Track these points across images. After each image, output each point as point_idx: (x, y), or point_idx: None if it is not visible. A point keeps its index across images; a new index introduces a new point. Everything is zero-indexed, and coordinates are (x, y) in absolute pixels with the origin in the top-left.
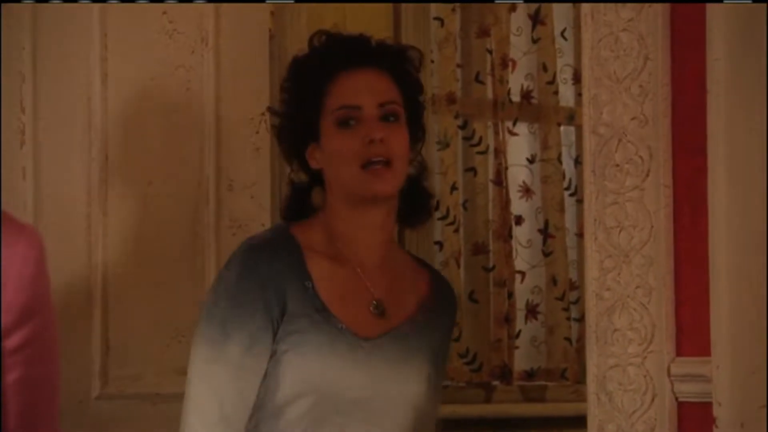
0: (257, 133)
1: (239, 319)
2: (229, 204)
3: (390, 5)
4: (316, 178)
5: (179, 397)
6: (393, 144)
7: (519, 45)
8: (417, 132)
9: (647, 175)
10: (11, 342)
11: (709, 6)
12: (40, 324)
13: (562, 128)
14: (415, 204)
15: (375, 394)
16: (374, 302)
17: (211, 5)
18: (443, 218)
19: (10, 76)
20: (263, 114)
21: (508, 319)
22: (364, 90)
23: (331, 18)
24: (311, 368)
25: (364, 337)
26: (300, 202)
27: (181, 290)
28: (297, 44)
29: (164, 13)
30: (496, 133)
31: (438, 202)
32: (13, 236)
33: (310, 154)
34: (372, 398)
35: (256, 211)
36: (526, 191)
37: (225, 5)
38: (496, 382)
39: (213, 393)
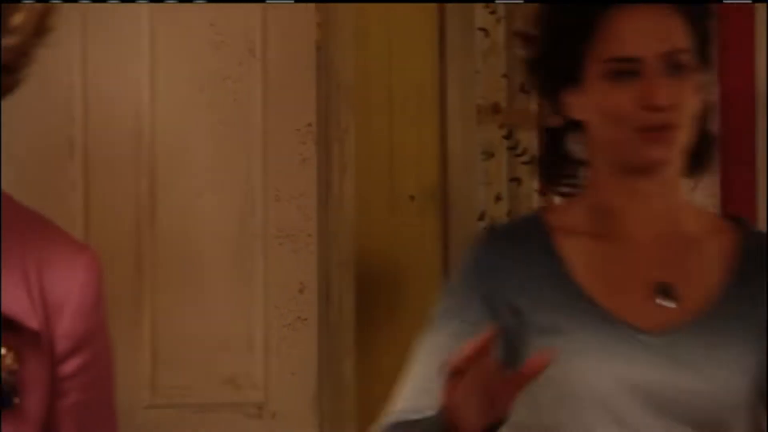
0: (304, 143)
1: (454, 309)
2: (276, 214)
3: (434, 15)
4: (574, 126)
5: (227, 407)
6: (680, 106)
7: None
8: (706, 71)
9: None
10: (68, 367)
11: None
12: (97, 348)
13: None
14: (698, 149)
15: (673, 403)
16: (657, 285)
17: (258, 17)
18: None
19: (60, 88)
20: (310, 125)
21: None
22: (645, 35)
23: (376, 29)
24: (576, 372)
25: (648, 330)
26: (557, 149)
27: (229, 300)
28: (344, 56)
29: (212, 25)
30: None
31: (483, 213)
32: (72, 258)
33: (570, 99)
34: (672, 403)
35: (303, 222)
36: None
37: (272, 16)
38: None
39: (419, 368)
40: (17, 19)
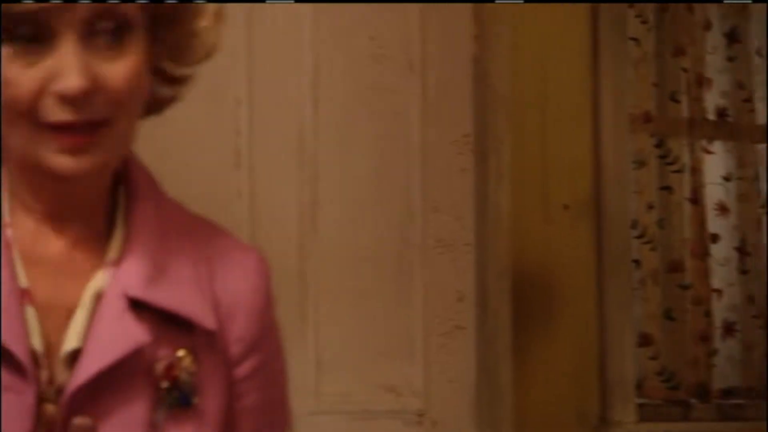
0: (461, 154)
1: None
2: (434, 224)
3: (587, 26)
4: None
5: (387, 414)
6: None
7: (714, 63)
8: None
9: None
10: (243, 369)
11: None
12: (270, 349)
13: (758, 146)
14: None
15: None
16: None
17: (417, 31)
18: (640, 237)
19: (226, 101)
20: (467, 136)
21: (706, 337)
22: None
23: (530, 40)
24: None
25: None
26: None
27: (389, 309)
28: (499, 68)
29: (372, 38)
30: (692, 151)
31: (635, 221)
32: (243, 261)
33: None
34: None
35: (461, 231)
36: (723, 209)
37: (431, 30)
38: (693, 400)
39: None
40: (202, 22)
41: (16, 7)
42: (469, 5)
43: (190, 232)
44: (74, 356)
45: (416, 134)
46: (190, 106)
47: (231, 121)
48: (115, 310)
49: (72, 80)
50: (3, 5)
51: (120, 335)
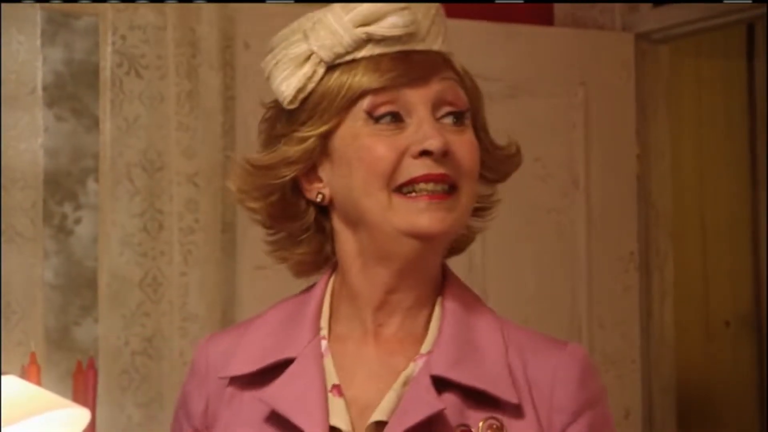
0: (626, 271)
1: None
2: (600, 341)
3: (745, 144)
4: None
5: None
6: None
7: None
8: None
9: None
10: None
11: None
12: (599, 414)
13: None
14: None
15: None
16: None
17: (582, 151)
18: None
19: None
20: (632, 253)
21: None
22: None
23: (689, 159)
24: None
25: None
26: None
27: None
28: (662, 186)
29: (537, 159)
30: None
31: None
32: (554, 347)
33: None
34: None
35: (627, 348)
36: None
37: (594, 150)
38: None
39: None
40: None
41: (380, 95)
42: (632, 127)
43: (492, 325)
44: (380, 428)
45: (582, 252)
46: None
47: None
48: (420, 387)
49: (435, 140)
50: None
51: (421, 405)
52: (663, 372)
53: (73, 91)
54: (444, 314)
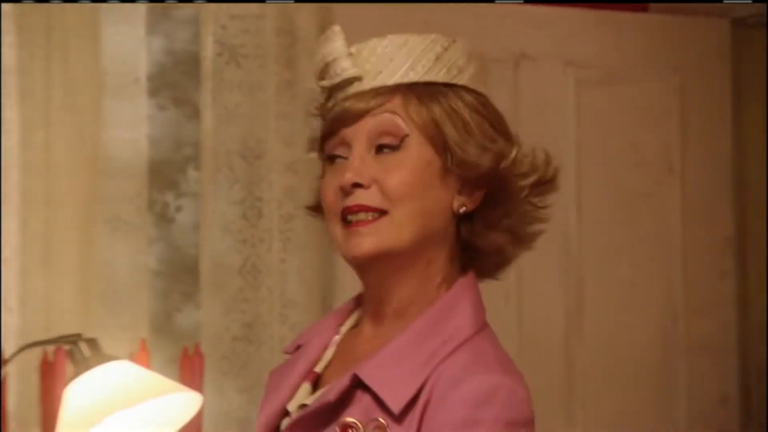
0: (723, 257)
1: None
2: (697, 328)
3: None
4: None
5: None
6: None
7: None
8: None
9: None
10: None
11: None
12: None
13: None
14: None
15: None
16: None
17: (677, 136)
18: None
19: None
20: (728, 239)
21: None
22: None
23: None
24: None
25: None
26: None
27: (653, 411)
28: (758, 170)
29: (633, 145)
30: None
31: None
32: (469, 379)
33: None
34: None
35: (723, 335)
36: None
37: (690, 135)
38: None
39: None
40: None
41: (330, 139)
42: (728, 113)
43: (445, 345)
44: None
45: (677, 238)
46: None
47: None
48: (340, 382)
49: (346, 176)
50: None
51: (324, 397)
52: (759, 358)
53: (174, 81)
54: (411, 324)
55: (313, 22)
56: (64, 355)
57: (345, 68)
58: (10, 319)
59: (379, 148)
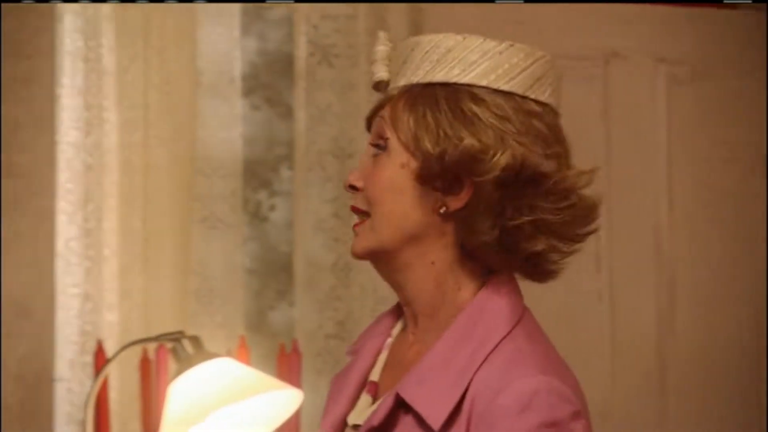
0: None
1: None
2: None
3: None
4: None
5: None
6: None
7: None
8: None
9: None
10: None
11: None
12: None
13: None
14: None
15: None
16: None
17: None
18: None
19: None
20: None
21: None
22: None
23: None
24: None
25: None
26: None
27: (744, 410)
28: None
29: (724, 143)
30: None
31: None
32: (512, 384)
33: None
34: None
35: None
36: None
37: None
38: None
39: None
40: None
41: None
42: None
43: (478, 350)
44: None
45: (762, 237)
46: None
47: None
48: (385, 402)
49: (347, 179)
50: None
51: (371, 420)
52: None
53: (267, 81)
54: (444, 333)
55: (404, 21)
56: (166, 352)
57: (375, 72)
58: (110, 317)
59: (376, 151)
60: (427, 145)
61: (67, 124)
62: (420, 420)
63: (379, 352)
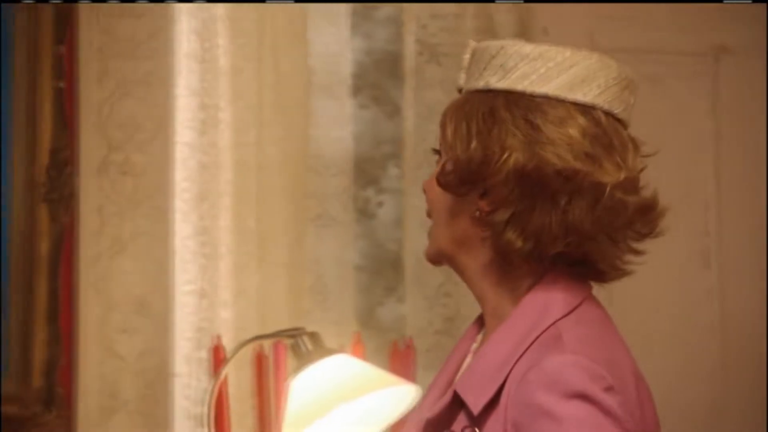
0: None
1: None
2: None
3: None
4: None
5: None
6: None
7: None
8: None
9: None
10: None
11: None
12: None
13: None
14: None
15: None
16: None
17: None
18: None
19: (695, 204)
20: None
21: None
22: None
23: None
24: None
25: None
26: None
27: None
28: None
29: None
30: None
31: None
32: (544, 361)
33: None
34: None
35: None
36: None
37: None
38: None
39: None
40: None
41: None
42: None
43: (520, 343)
44: None
45: None
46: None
47: (701, 222)
48: (445, 398)
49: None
50: None
51: (427, 410)
52: None
53: (375, 80)
54: (497, 331)
55: (512, 20)
56: (283, 348)
57: (457, 79)
58: (226, 314)
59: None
60: (458, 146)
61: (183, 124)
62: (468, 410)
63: (464, 357)
